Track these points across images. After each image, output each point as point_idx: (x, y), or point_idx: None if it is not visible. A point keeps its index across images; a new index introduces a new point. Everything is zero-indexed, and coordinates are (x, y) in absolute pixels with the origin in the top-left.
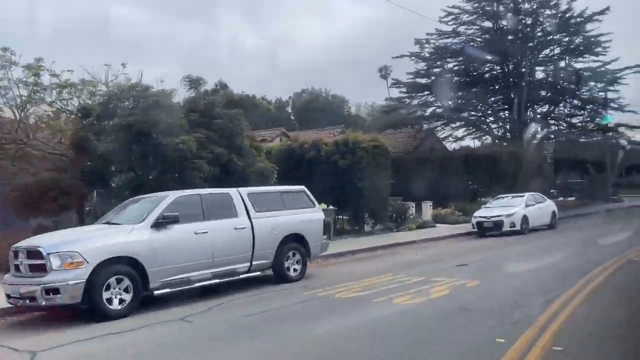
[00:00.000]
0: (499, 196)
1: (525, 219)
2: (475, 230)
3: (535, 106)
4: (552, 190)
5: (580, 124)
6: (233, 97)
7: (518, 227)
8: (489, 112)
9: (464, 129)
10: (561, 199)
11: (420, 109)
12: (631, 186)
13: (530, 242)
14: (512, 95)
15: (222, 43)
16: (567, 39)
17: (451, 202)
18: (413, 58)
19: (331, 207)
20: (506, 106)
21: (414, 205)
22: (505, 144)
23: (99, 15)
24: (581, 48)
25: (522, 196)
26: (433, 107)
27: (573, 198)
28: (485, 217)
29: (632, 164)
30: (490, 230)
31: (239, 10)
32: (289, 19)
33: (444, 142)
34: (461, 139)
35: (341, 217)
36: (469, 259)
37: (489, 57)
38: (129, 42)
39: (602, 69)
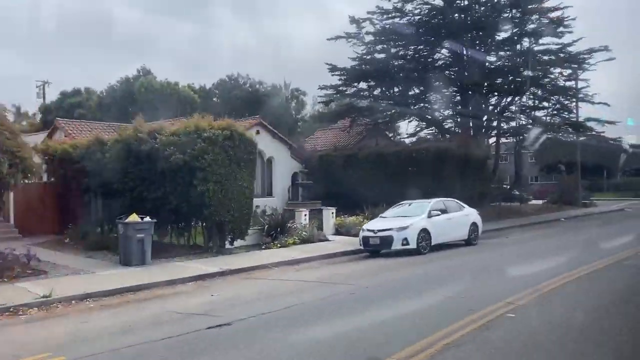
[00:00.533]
0: (401, 202)
1: (425, 233)
2: (363, 248)
3: (493, 97)
4: (516, 192)
5: (545, 118)
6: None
7: (413, 245)
8: (441, 104)
9: (417, 123)
10: (534, 202)
11: (358, 99)
12: (613, 189)
13: (414, 268)
14: (467, 85)
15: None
16: (525, 17)
17: (372, 208)
18: (350, 40)
19: (147, 219)
20: (459, 97)
21: (307, 212)
22: (446, 137)
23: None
24: (542, 28)
25: (427, 203)
26: (372, 98)
27: (541, 202)
28: (373, 230)
29: (615, 167)
30: (379, 247)
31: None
32: (286, 16)
33: (393, 139)
34: (414, 134)
35: (199, 227)
36: (268, 307)
37: (438, 40)
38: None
39: (564, 51)
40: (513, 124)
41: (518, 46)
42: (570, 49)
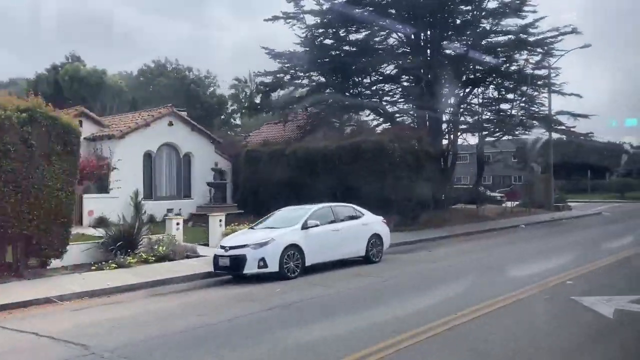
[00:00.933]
0: (283, 208)
1: (295, 250)
2: (213, 270)
3: (453, 88)
4: (486, 193)
5: (511, 111)
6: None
7: (274, 267)
8: (395, 95)
9: (373, 117)
10: (508, 205)
11: (296, 88)
12: (600, 190)
13: (242, 308)
14: (423, 73)
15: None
16: None
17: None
18: (289, 21)
19: None
20: (415, 88)
21: (180, 221)
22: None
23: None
24: (505, 9)
25: (307, 209)
26: (314, 86)
27: (514, 204)
28: (225, 248)
29: (604, 167)
30: (230, 270)
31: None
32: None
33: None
34: (373, 129)
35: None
36: None
37: (390, 23)
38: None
39: (526, 32)
40: (476, 117)
41: (478, 30)
42: (533, 30)
